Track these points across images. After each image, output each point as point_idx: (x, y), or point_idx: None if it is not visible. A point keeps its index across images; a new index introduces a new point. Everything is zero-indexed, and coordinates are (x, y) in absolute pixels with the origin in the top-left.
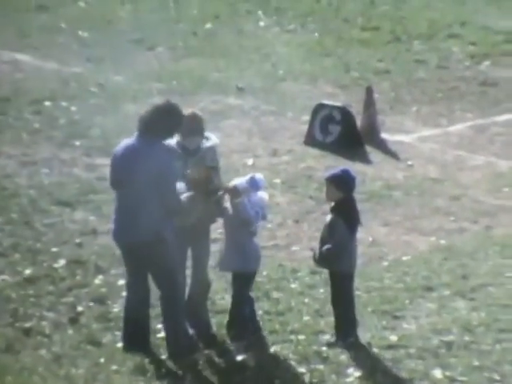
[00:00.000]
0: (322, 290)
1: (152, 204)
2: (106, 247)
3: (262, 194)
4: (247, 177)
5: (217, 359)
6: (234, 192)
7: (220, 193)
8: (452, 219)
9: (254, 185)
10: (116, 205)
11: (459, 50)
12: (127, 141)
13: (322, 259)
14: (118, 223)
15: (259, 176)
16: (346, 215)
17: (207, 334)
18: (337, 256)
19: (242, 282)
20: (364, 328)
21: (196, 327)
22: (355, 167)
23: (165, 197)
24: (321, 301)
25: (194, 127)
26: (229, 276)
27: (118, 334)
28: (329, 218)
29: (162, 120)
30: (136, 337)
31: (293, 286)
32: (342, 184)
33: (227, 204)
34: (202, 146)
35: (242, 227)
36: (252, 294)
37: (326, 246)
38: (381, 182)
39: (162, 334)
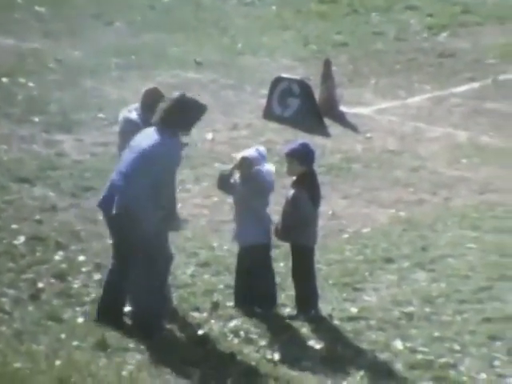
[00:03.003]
0: (282, 264)
1: (140, 182)
2: (66, 223)
3: (269, 166)
4: (252, 149)
5: (178, 334)
6: (247, 162)
7: (230, 167)
8: (411, 191)
9: (261, 156)
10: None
11: (417, 21)
12: (147, 130)
13: (284, 233)
14: (106, 192)
15: (262, 148)
16: (308, 189)
17: (169, 309)
18: (300, 230)
19: (263, 253)
20: (325, 300)
21: None
22: (314, 140)
23: (159, 185)
24: (281, 274)
25: (156, 101)
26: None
27: (79, 309)
28: (291, 192)
29: (180, 114)
30: (111, 310)
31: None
32: (303, 158)
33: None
34: None
35: (259, 197)
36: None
37: (289, 220)
38: (340, 154)
39: (125, 309)
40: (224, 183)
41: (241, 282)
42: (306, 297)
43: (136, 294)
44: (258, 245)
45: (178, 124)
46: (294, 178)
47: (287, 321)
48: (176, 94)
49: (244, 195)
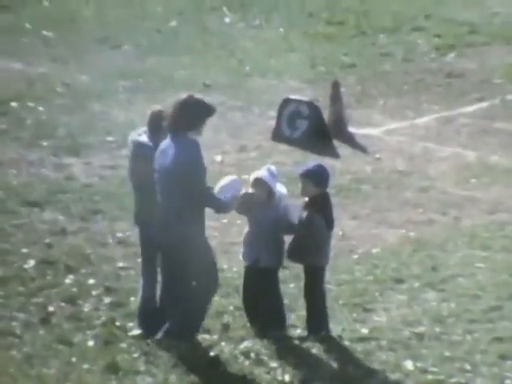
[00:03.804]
0: (292, 285)
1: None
2: (76, 247)
3: (280, 187)
4: (263, 169)
5: (189, 356)
6: (261, 184)
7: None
8: (420, 211)
9: (273, 175)
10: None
11: (424, 42)
12: (164, 141)
13: (299, 255)
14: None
15: (273, 167)
16: (322, 211)
17: None
18: (314, 251)
19: (275, 275)
20: (335, 321)
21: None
22: (324, 162)
23: (193, 191)
24: (291, 295)
25: (162, 122)
26: None
27: (89, 332)
28: (304, 213)
29: (190, 113)
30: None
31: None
32: (319, 180)
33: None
34: None
35: (285, 231)
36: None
37: (304, 242)
38: (349, 175)
39: (135, 332)
40: (245, 206)
41: (252, 301)
42: (318, 317)
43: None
44: (273, 267)
45: (188, 125)
46: (307, 199)
47: (298, 342)
48: (184, 95)
49: (271, 218)
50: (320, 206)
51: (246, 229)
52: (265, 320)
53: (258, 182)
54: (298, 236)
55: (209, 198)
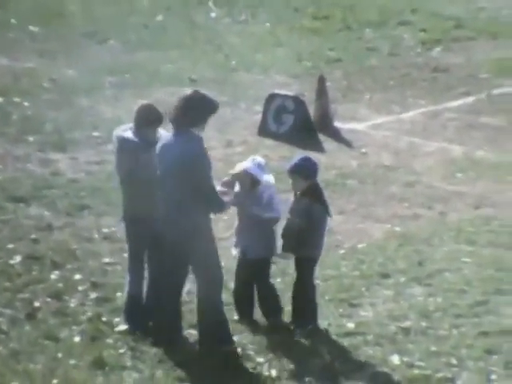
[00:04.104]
0: (278, 280)
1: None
2: (62, 242)
3: (268, 177)
4: (249, 161)
5: (173, 351)
6: (248, 176)
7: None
8: (406, 206)
9: (260, 167)
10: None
11: (410, 36)
12: (166, 136)
13: (296, 246)
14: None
15: (260, 158)
16: (319, 199)
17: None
18: (314, 241)
19: (268, 265)
20: (321, 316)
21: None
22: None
23: (199, 186)
24: (278, 290)
25: (157, 119)
26: None
27: (76, 328)
28: (301, 204)
29: (195, 109)
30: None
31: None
32: (307, 173)
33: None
34: (158, 136)
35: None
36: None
37: (305, 232)
38: (335, 170)
39: (121, 327)
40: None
41: (245, 293)
42: (308, 311)
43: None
44: (266, 258)
45: (192, 121)
46: (299, 192)
47: (284, 336)
48: (189, 90)
49: (256, 215)
50: (316, 195)
51: (237, 221)
52: (265, 310)
53: (241, 173)
54: (296, 227)
55: (212, 196)
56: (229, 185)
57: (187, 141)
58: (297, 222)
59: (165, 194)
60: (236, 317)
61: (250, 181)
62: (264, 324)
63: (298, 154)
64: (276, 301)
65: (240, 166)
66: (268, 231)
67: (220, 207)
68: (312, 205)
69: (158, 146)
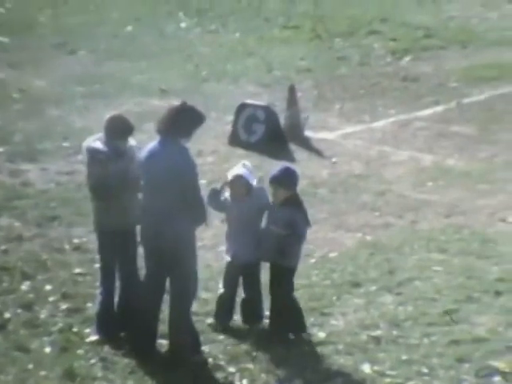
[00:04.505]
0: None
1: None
2: (32, 253)
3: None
4: (240, 166)
5: (144, 362)
6: (241, 181)
7: (220, 184)
8: (377, 215)
9: (250, 172)
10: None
11: (380, 46)
12: (151, 145)
13: (282, 255)
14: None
15: (248, 163)
16: (302, 209)
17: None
18: (295, 252)
19: (257, 270)
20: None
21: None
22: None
23: (189, 197)
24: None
25: (127, 129)
26: None
27: (46, 339)
28: (284, 214)
29: (183, 120)
30: (147, 337)
31: (221, 286)
32: (288, 183)
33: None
34: (128, 146)
35: (261, 214)
36: None
37: (288, 242)
38: (306, 179)
39: (92, 338)
40: (214, 200)
41: (231, 299)
42: (291, 319)
43: (176, 317)
44: (252, 262)
45: (180, 132)
46: (280, 202)
47: (255, 346)
48: (177, 102)
49: (248, 214)
50: (298, 204)
51: (226, 227)
52: (246, 314)
53: (238, 179)
54: (279, 237)
55: (199, 208)
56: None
57: (176, 152)
58: (279, 232)
59: (149, 204)
60: (211, 322)
61: (245, 188)
62: (238, 331)
63: (268, 164)
64: (260, 307)
65: (233, 172)
66: (257, 235)
67: (203, 220)
68: (295, 215)
69: (143, 155)
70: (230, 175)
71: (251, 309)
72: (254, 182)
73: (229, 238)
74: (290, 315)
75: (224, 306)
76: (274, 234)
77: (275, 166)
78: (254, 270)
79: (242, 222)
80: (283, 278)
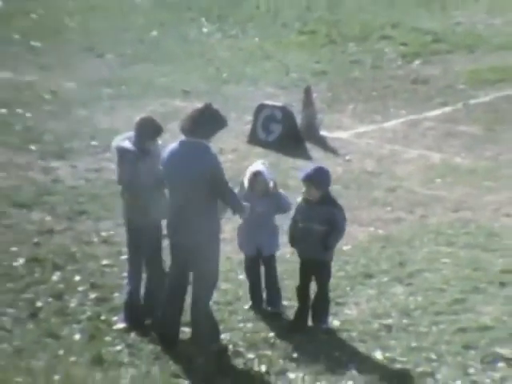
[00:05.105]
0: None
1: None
2: (62, 245)
3: (272, 183)
4: (258, 163)
5: (165, 347)
6: (261, 178)
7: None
8: (389, 210)
9: (268, 170)
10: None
11: (391, 50)
12: (174, 144)
13: (326, 251)
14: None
15: (264, 162)
16: (339, 206)
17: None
18: (335, 245)
19: (275, 261)
20: (308, 315)
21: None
22: (297, 163)
23: (221, 192)
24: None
25: (156, 130)
26: None
27: (76, 326)
28: (323, 212)
29: (207, 122)
30: (173, 323)
31: (240, 277)
32: (321, 182)
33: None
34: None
35: (277, 213)
36: None
37: (332, 238)
38: None
39: (119, 326)
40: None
41: (257, 285)
42: (326, 308)
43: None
44: (274, 254)
45: (203, 132)
46: (315, 200)
47: (272, 335)
48: (202, 104)
49: (268, 210)
50: (334, 202)
51: (241, 221)
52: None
53: (257, 176)
54: (320, 233)
55: (236, 198)
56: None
57: (201, 150)
58: (320, 229)
59: (175, 201)
60: (247, 307)
61: (264, 184)
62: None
63: (284, 161)
64: (279, 292)
65: (252, 169)
66: (277, 228)
67: (241, 208)
68: (334, 211)
69: (167, 154)
70: (248, 172)
71: (275, 295)
72: (272, 179)
73: (247, 233)
74: (328, 302)
75: (254, 293)
76: (315, 231)
77: (309, 166)
78: (273, 261)
79: (263, 217)
80: (325, 270)
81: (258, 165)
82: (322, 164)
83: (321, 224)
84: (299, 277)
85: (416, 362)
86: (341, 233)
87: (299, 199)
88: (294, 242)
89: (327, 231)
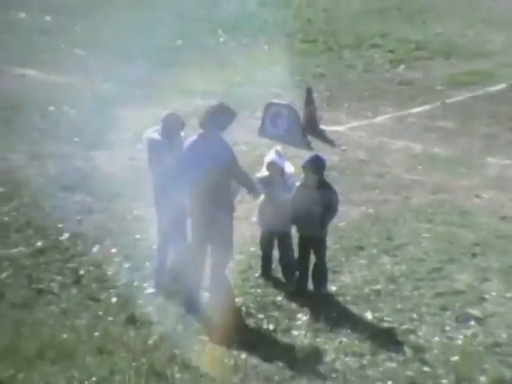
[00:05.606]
0: (276, 253)
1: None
2: (101, 222)
3: (289, 166)
4: (272, 152)
5: (188, 308)
6: (275, 167)
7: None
8: (377, 192)
9: (281, 157)
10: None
11: (380, 56)
12: (194, 137)
13: (323, 228)
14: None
15: (279, 148)
16: (334, 190)
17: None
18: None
19: (290, 237)
20: (309, 282)
21: None
22: (299, 153)
23: (236, 174)
24: (275, 262)
25: (180, 125)
26: None
27: (113, 291)
28: (323, 196)
29: (221, 116)
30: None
31: (252, 249)
32: (317, 168)
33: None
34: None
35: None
36: None
37: (328, 217)
38: None
39: (149, 291)
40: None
41: (269, 256)
42: (324, 275)
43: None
44: (288, 231)
45: (219, 126)
46: (312, 185)
47: (279, 299)
48: (215, 101)
49: (282, 193)
50: (330, 187)
51: (261, 199)
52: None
53: (272, 165)
54: (319, 214)
55: (250, 179)
56: (264, 180)
57: (218, 142)
58: (319, 210)
59: (196, 185)
60: (257, 274)
61: (278, 171)
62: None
63: (289, 151)
64: (294, 266)
65: (267, 159)
66: (288, 209)
67: (255, 188)
68: (331, 195)
69: (188, 146)
70: (265, 161)
71: (287, 267)
72: (286, 165)
73: (265, 211)
74: (326, 271)
75: (265, 263)
76: (313, 211)
77: (307, 154)
78: (288, 237)
79: (279, 199)
80: (321, 244)
81: (271, 154)
82: (320, 153)
83: (318, 205)
84: (299, 250)
85: (400, 321)
86: (335, 213)
87: (298, 183)
88: (294, 220)
89: (324, 212)
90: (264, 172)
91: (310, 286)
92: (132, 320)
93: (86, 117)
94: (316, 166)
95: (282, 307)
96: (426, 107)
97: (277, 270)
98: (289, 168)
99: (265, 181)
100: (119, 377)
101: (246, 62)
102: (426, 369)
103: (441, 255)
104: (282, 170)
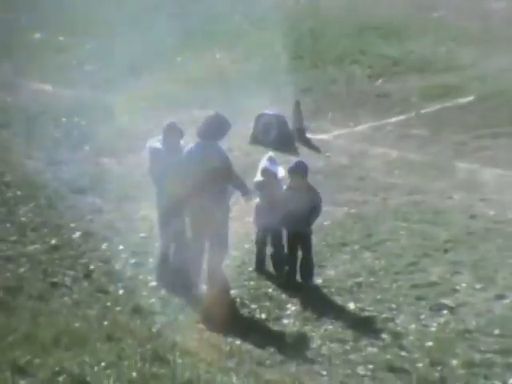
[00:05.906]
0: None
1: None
2: (110, 222)
3: (281, 170)
4: (265, 159)
5: (189, 299)
6: (268, 173)
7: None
8: (359, 194)
9: (274, 162)
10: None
11: (360, 71)
12: (192, 145)
13: (308, 226)
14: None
15: (272, 154)
16: (317, 192)
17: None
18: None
19: (281, 235)
20: (297, 275)
21: None
22: (288, 158)
23: (231, 178)
24: (267, 257)
25: (179, 134)
26: None
27: (120, 284)
28: (310, 197)
29: (217, 126)
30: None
31: (246, 246)
32: (303, 172)
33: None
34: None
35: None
36: None
37: (313, 215)
38: None
39: (153, 283)
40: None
41: (262, 253)
42: (311, 269)
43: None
44: (280, 230)
45: (216, 136)
46: (296, 187)
47: (270, 291)
48: (212, 112)
49: (277, 195)
50: (314, 189)
51: (257, 201)
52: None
53: (265, 171)
54: (306, 213)
55: (244, 184)
56: (260, 184)
57: (215, 149)
58: (306, 210)
59: (195, 189)
60: (251, 268)
61: (271, 176)
62: (259, 279)
63: (280, 157)
64: (283, 260)
65: (261, 166)
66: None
67: (248, 191)
68: (315, 197)
69: (187, 153)
70: (259, 167)
71: (277, 259)
72: (279, 170)
73: (260, 212)
74: (313, 264)
75: (259, 258)
76: (302, 212)
77: (292, 160)
78: (280, 235)
79: (273, 201)
80: (309, 241)
81: (263, 161)
82: (306, 159)
83: (304, 206)
84: (287, 246)
85: (380, 311)
86: (319, 213)
87: (285, 187)
88: (283, 219)
89: (309, 212)
90: (259, 177)
91: (299, 278)
92: (137, 310)
93: (95, 126)
94: (301, 170)
95: (273, 298)
96: (402, 117)
97: (268, 265)
98: (281, 172)
99: (260, 185)
100: (126, 362)
101: (240, 77)
102: (403, 353)
103: (416, 250)
104: (274, 175)
